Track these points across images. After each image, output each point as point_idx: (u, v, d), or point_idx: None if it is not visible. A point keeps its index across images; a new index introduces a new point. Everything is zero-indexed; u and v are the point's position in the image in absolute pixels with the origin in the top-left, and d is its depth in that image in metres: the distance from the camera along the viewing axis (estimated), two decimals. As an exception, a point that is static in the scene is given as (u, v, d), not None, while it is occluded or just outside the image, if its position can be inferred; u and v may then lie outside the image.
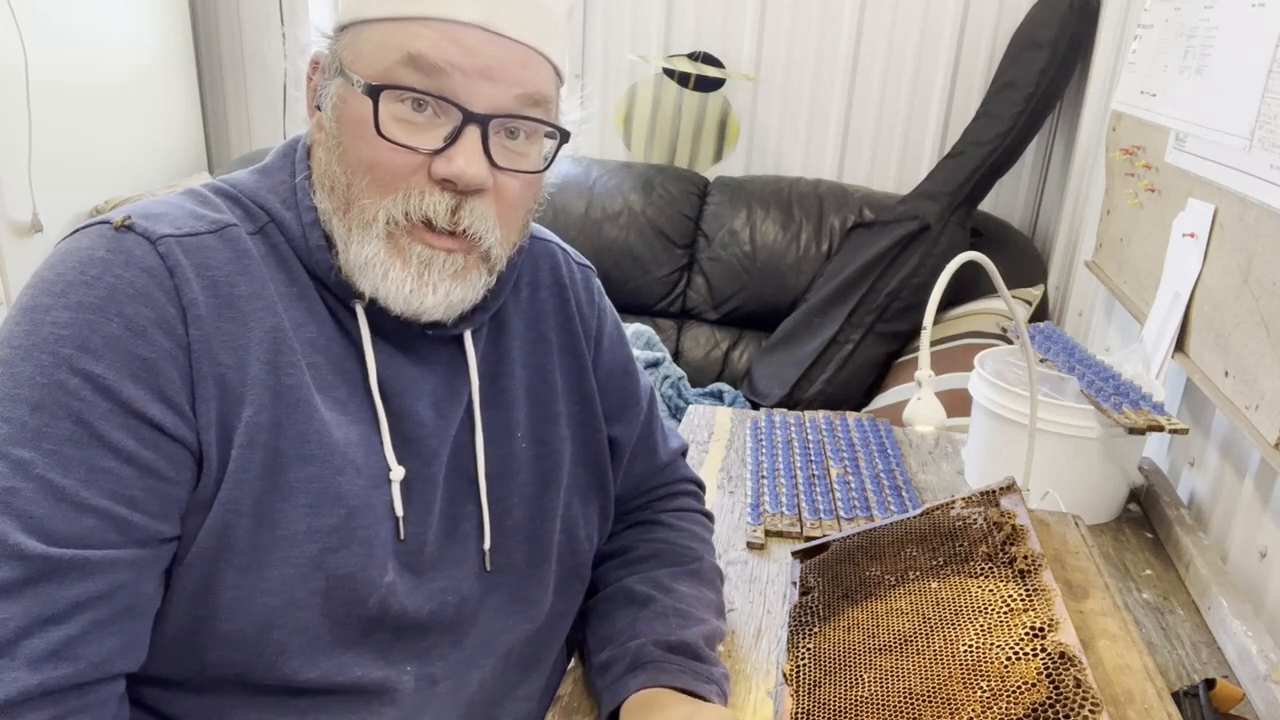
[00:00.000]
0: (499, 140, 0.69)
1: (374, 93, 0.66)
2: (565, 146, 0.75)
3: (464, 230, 0.69)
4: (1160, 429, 1.12)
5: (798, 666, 0.83)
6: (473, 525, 0.79)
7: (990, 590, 0.78)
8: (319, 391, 0.70)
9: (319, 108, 0.72)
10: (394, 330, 0.75)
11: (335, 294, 0.73)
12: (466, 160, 0.67)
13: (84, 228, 0.66)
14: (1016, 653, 0.70)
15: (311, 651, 0.70)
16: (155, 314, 0.63)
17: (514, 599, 0.81)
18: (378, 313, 0.73)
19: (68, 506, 0.59)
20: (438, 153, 0.67)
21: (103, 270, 0.63)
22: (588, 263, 0.94)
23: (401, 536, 0.73)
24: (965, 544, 0.85)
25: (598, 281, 0.94)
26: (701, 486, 1.05)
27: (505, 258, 0.76)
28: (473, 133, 0.67)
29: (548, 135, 0.73)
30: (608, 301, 0.95)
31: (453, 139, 0.67)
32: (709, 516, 1.02)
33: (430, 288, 0.70)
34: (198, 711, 0.70)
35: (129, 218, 0.66)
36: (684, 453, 1.04)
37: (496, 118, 0.68)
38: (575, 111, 0.77)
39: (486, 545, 0.79)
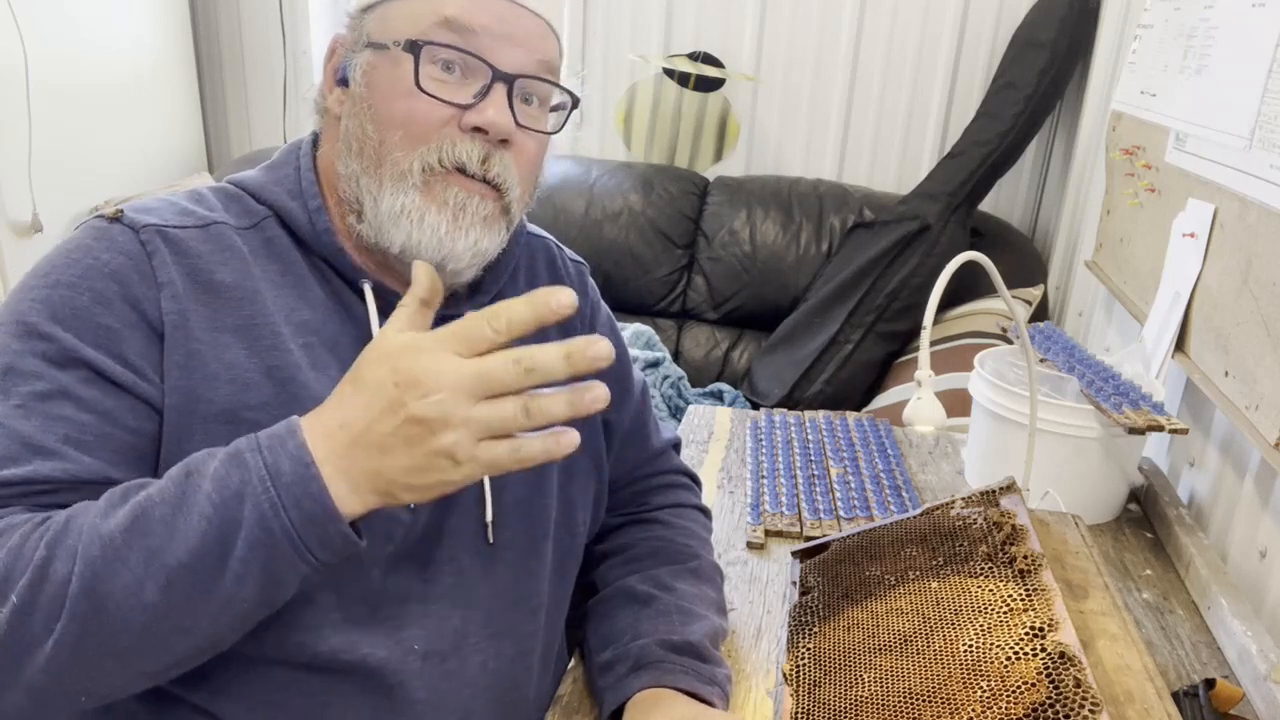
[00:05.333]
0: (518, 103, 0.75)
1: (414, 48, 0.72)
2: (563, 141, 0.81)
3: (493, 178, 0.75)
4: (1160, 429, 1.12)
5: (798, 666, 0.83)
6: (472, 499, 0.80)
7: (990, 590, 0.78)
8: (313, 369, 0.73)
9: (342, 84, 0.77)
10: None
11: (344, 277, 0.77)
12: (496, 111, 0.73)
13: (84, 223, 0.72)
14: (1016, 652, 0.70)
15: (319, 626, 0.71)
16: (124, 291, 0.68)
17: (515, 573, 0.82)
18: (384, 295, 0.77)
19: (22, 447, 0.63)
20: (468, 107, 0.73)
21: (84, 254, 0.69)
22: (581, 259, 0.98)
23: (411, 507, 0.75)
24: (965, 544, 0.86)
25: (590, 277, 0.97)
26: (696, 480, 1.06)
27: (520, 216, 0.81)
28: (500, 89, 0.74)
29: (554, 108, 0.80)
30: (600, 296, 0.98)
31: (483, 94, 0.74)
32: (705, 512, 1.03)
33: (463, 231, 0.75)
34: (204, 688, 0.70)
35: (119, 210, 0.72)
36: (677, 447, 1.06)
37: (521, 78, 0.75)
38: (577, 88, 0.83)
39: (489, 518, 0.80)
